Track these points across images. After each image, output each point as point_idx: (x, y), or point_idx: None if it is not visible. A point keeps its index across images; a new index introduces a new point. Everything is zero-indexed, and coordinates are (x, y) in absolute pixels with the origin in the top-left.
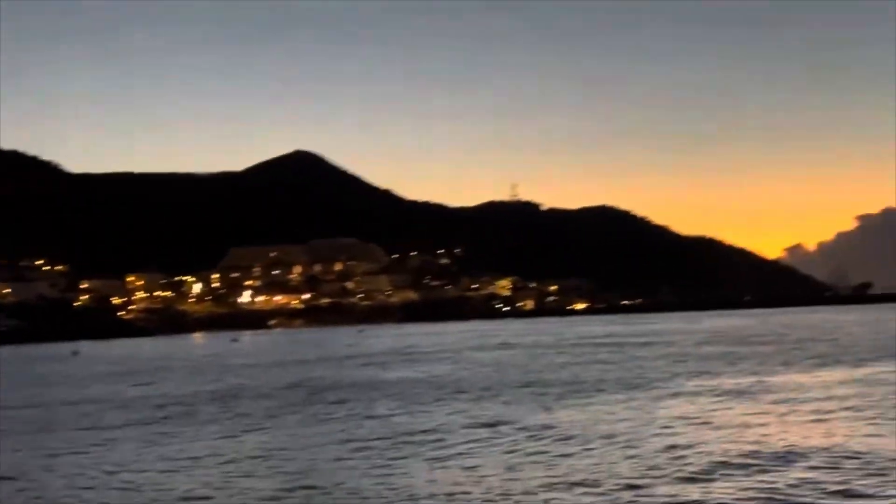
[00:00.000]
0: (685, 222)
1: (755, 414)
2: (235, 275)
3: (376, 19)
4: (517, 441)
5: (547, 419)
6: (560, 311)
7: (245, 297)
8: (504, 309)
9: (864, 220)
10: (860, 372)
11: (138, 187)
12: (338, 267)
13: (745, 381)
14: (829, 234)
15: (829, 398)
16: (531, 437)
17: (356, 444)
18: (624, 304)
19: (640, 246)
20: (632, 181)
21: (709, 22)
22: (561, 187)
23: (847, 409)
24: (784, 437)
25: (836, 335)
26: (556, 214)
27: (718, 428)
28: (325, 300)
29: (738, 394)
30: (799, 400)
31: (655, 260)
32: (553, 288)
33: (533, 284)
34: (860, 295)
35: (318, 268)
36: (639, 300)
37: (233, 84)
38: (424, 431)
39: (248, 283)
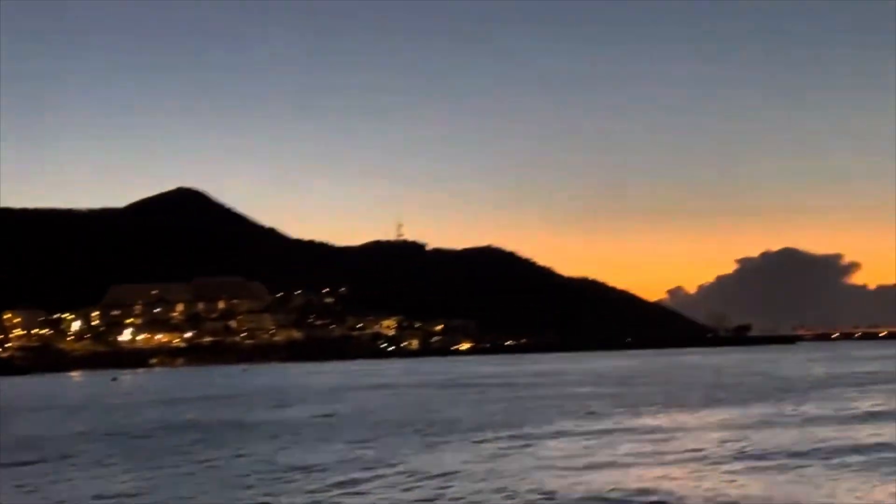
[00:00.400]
0: (569, 264)
1: (622, 455)
2: (116, 312)
3: (261, 56)
4: (395, 482)
5: (428, 460)
6: (445, 350)
7: (126, 335)
8: (389, 348)
9: (744, 263)
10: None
11: (17, 223)
12: (221, 305)
13: (620, 421)
14: (709, 277)
15: (688, 440)
16: (411, 477)
17: (232, 484)
18: (508, 345)
19: (524, 287)
20: (516, 223)
21: (587, 68)
22: (446, 228)
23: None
24: (639, 479)
25: (703, 377)
26: (442, 254)
27: (591, 468)
28: (208, 339)
29: (611, 433)
30: (662, 441)
31: (539, 301)
32: (438, 328)
33: (418, 324)
34: (739, 337)
35: (200, 306)
36: (523, 340)
37: (115, 118)
38: (303, 469)
39: (129, 320)
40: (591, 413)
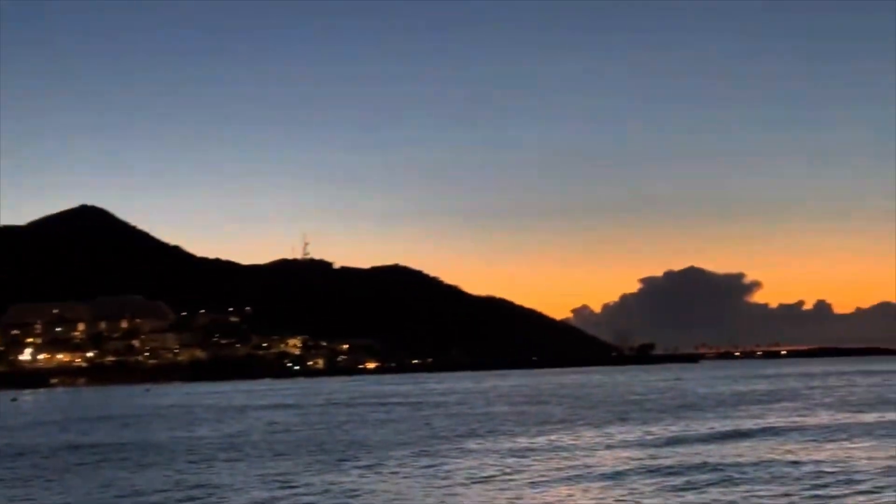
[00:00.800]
0: (476, 283)
1: (528, 473)
2: (16, 332)
3: (163, 75)
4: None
5: (333, 479)
6: (351, 370)
7: (26, 354)
8: (294, 368)
9: (648, 282)
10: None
11: None
12: (123, 324)
13: (524, 439)
14: (614, 297)
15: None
16: (317, 497)
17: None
18: (414, 364)
19: (431, 306)
20: (424, 242)
21: (492, 89)
22: (353, 246)
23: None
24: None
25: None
26: (349, 273)
27: (496, 486)
28: (110, 358)
29: (517, 452)
30: (566, 459)
31: (446, 320)
32: (344, 347)
33: (324, 343)
34: (643, 355)
35: (102, 325)
36: (429, 360)
37: (16, 135)
38: (205, 488)
39: (29, 340)
40: (496, 431)
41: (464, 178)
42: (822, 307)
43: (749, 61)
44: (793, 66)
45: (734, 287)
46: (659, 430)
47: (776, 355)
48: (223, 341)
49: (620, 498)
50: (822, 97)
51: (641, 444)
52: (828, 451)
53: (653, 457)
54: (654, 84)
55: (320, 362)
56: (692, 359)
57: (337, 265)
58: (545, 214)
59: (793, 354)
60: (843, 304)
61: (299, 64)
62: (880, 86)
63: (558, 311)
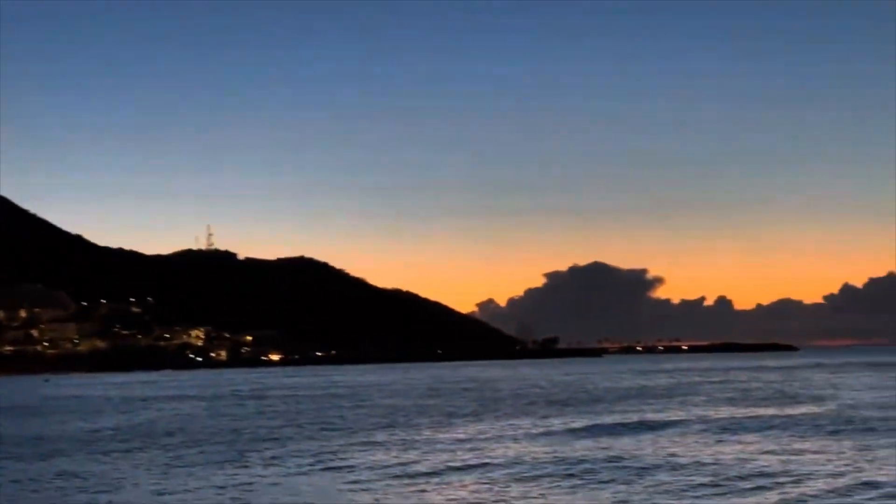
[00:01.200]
0: (382, 276)
1: (430, 465)
2: None
3: (69, 64)
4: (202, 496)
5: (233, 473)
6: (255, 361)
7: None
8: (197, 359)
9: (552, 277)
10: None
11: None
12: (22, 314)
13: (429, 432)
14: (518, 291)
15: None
16: (215, 489)
17: (30, 497)
18: (319, 356)
19: (337, 298)
20: (330, 234)
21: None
22: (259, 237)
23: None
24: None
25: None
26: (253, 264)
27: (398, 479)
28: (8, 348)
29: (421, 444)
30: (471, 451)
31: (352, 312)
32: (248, 338)
33: (227, 335)
34: (547, 349)
35: (1, 314)
36: (333, 352)
37: None
38: (97, 477)
39: None
40: (401, 424)
41: (371, 172)
42: (723, 303)
43: (660, 58)
44: (708, 65)
45: (637, 283)
46: (563, 423)
47: (677, 350)
48: (125, 332)
49: (524, 491)
50: (724, 96)
51: (545, 436)
52: (727, 445)
53: (556, 449)
54: (565, 79)
55: (223, 354)
56: (595, 353)
57: (242, 256)
58: (451, 209)
59: (694, 350)
60: (743, 301)
61: (204, 49)
62: (775, 87)
63: (463, 304)
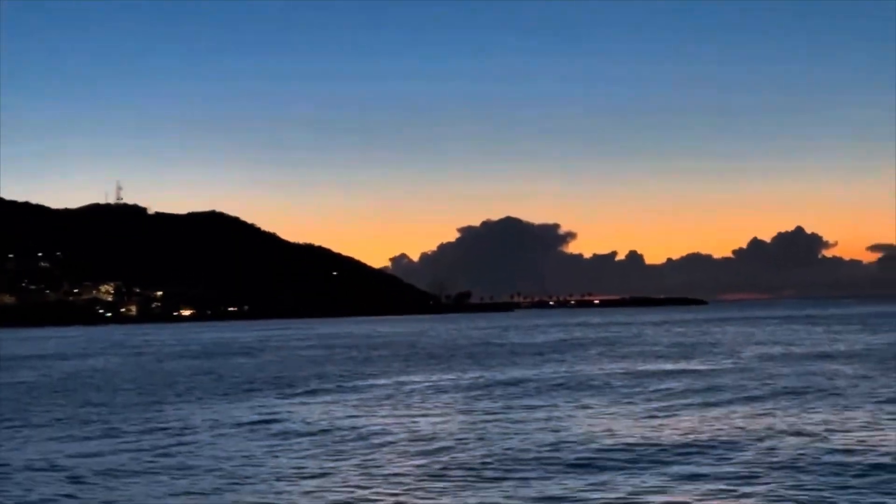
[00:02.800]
0: (294, 231)
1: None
2: None
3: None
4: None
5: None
6: (166, 317)
7: None
8: (107, 314)
9: (465, 232)
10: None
11: None
12: None
13: (349, 385)
14: (431, 245)
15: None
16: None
17: None
18: (231, 311)
19: (248, 253)
20: (241, 188)
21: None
22: (169, 192)
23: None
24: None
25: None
26: (164, 219)
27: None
28: None
29: (340, 398)
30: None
31: (264, 267)
32: (158, 294)
33: (138, 290)
34: (460, 304)
35: None
36: (246, 307)
37: None
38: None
39: None
40: (321, 378)
41: (283, 125)
42: (635, 258)
43: (563, 18)
44: (615, 21)
45: (550, 237)
46: (478, 375)
47: (589, 304)
48: (32, 287)
49: (444, 445)
50: (630, 51)
51: (465, 388)
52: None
53: (475, 400)
54: (480, 38)
55: (133, 309)
56: (508, 307)
57: (152, 211)
58: (364, 163)
59: (605, 304)
60: (654, 256)
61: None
62: (675, 42)
63: (377, 259)
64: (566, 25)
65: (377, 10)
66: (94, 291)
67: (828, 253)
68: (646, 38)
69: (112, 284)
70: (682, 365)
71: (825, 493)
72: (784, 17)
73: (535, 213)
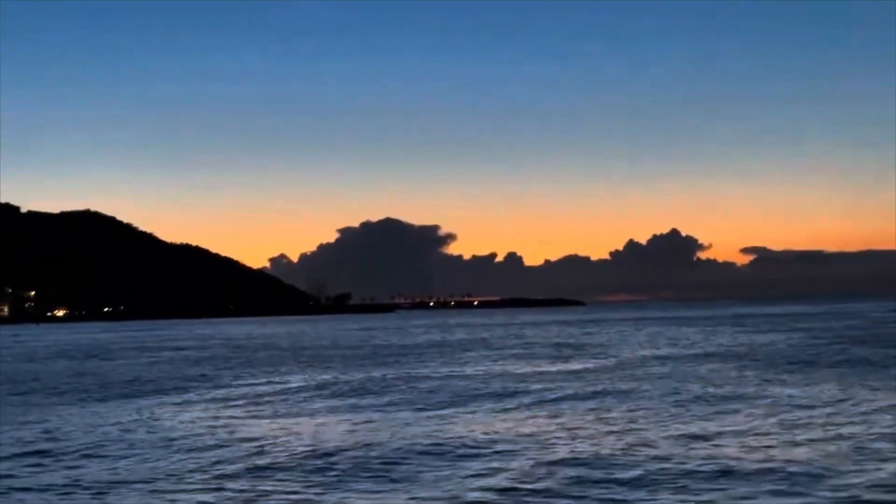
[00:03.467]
0: (171, 231)
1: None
2: None
3: None
4: None
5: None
6: (39, 317)
7: None
8: None
9: (344, 233)
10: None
11: None
12: None
13: (233, 385)
14: (311, 246)
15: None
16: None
17: None
18: (106, 311)
19: (125, 252)
20: (117, 187)
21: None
22: (43, 189)
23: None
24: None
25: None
26: (37, 217)
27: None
28: None
29: (226, 400)
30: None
31: (141, 267)
32: (31, 294)
33: (9, 290)
34: (340, 305)
35: None
36: (121, 307)
37: None
38: None
39: None
40: (203, 377)
41: (161, 124)
42: (514, 259)
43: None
44: (494, 25)
45: (430, 239)
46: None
47: (469, 306)
48: None
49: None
50: (497, 55)
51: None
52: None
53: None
54: (359, 38)
55: (5, 309)
56: (388, 308)
57: (24, 209)
58: (242, 163)
59: (484, 305)
60: (532, 257)
61: None
62: (550, 45)
63: (255, 260)
64: (451, 27)
65: (258, 10)
66: None
67: (703, 255)
68: (526, 40)
69: None
70: (560, 366)
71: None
72: (666, 20)
73: (415, 214)
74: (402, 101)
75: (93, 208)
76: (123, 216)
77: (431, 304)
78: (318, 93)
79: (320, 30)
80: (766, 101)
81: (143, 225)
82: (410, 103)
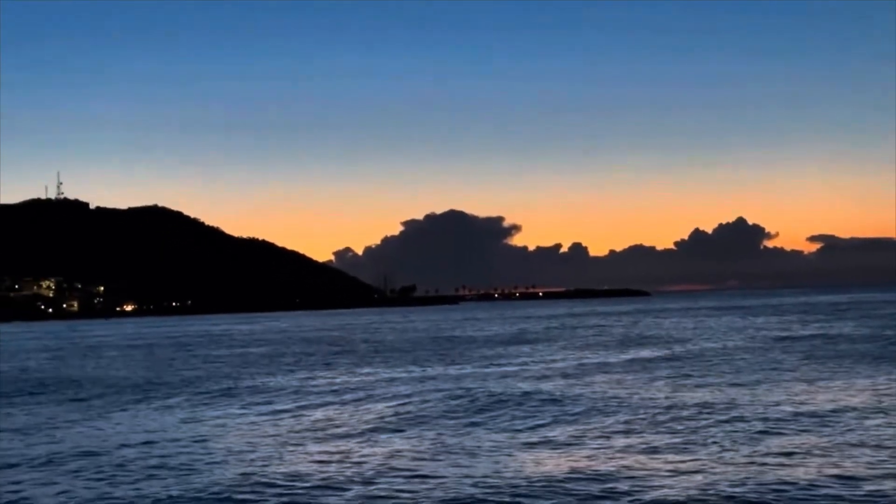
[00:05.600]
0: (238, 225)
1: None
2: None
3: None
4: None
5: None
6: (108, 312)
7: None
8: (48, 310)
9: (409, 225)
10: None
11: None
12: None
13: (309, 379)
14: (375, 239)
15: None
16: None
17: None
18: (174, 306)
19: (191, 247)
20: (184, 182)
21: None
22: (111, 186)
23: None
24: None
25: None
26: (105, 214)
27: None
28: None
29: (304, 392)
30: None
31: (207, 262)
32: (100, 289)
33: (79, 285)
34: (405, 297)
35: None
36: (189, 302)
37: None
38: None
39: None
40: (285, 370)
41: (226, 120)
42: (578, 250)
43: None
44: (554, 18)
45: (494, 230)
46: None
47: (534, 297)
48: None
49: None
50: (572, 46)
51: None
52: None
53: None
54: (413, 34)
55: (75, 305)
56: (453, 300)
57: (93, 206)
58: (308, 157)
59: (549, 296)
60: (597, 247)
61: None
62: (620, 37)
63: (320, 253)
64: (518, 23)
65: (310, 8)
66: (35, 287)
67: (769, 244)
68: (587, 35)
69: (53, 280)
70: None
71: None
72: (715, 13)
73: (479, 205)
74: (466, 94)
75: (160, 204)
76: (190, 211)
77: (496, 295)
78: (383, 87)
79: (391, 22)
80: (832, 88)
81: (210, 220)
82: (475, 95)
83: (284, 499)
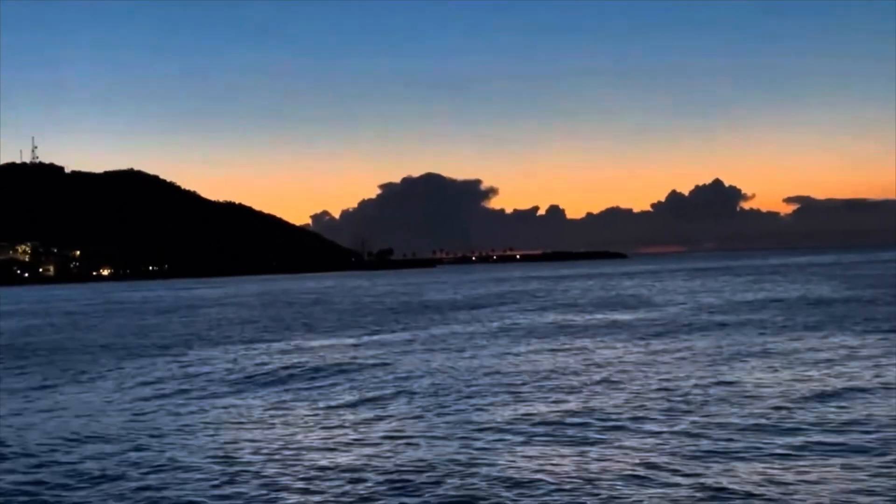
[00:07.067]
0: (214, 189)
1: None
2: None
3: None
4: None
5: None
6: (85, 277)
7: None
8: (24, 275)
9: (386, 188)
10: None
11: None
12: None
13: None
14: (352, 202)
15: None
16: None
17: None
18: (152, 270)
19: (168, 211)
20: (160, 146)
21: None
22: (86, 150)
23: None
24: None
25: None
26: (81, 178)
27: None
28: None
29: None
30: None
31: (184, 225)
32: (76, 253)
33: (55, 250)
34: (382, 261)
35: None
36: (166, 266)
37: None
38: None
39: None
40: (263, 334)
41: (202, 83)
42: (556, 212)
43: None
44: None
45: (471, 193)
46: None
47: (511, 259)
48: None
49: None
50: (535, 20)
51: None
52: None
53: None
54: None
55: (51, 269)
56: (430, 263)
57: (68, 170)
58: (284, 121)
59: (526, 259)
60: (574, 210)
61: None
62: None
63: (297, 216)
64: None
65: None
66: (11, 252)
67: (746, 205)
68: (561, 5)
69: (29, 244)
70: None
71: None
72: None
73: (456, 169)
74: (443, 60)
75: (136, 167)
76: (167, 175)
77: (473, 258)
78: (360, 51)
79: None
80: (808, 51)
81: (186, 184)
82: (451, 61)
83: None
